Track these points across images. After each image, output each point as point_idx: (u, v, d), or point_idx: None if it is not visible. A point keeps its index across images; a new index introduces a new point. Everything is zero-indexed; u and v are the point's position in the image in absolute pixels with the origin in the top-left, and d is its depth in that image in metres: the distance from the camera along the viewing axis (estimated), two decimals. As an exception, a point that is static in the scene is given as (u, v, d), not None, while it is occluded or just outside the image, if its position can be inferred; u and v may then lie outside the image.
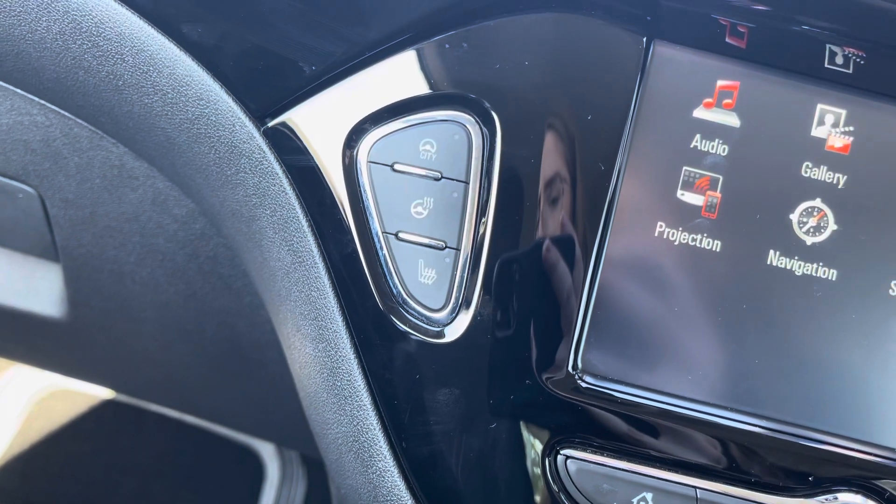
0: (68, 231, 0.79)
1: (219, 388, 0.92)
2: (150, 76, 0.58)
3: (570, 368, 0.54)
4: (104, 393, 1.64)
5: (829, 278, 0.55)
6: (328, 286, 0.55)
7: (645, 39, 0.54)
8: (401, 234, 0.54)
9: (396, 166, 0.54)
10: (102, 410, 1.70)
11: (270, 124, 0.56)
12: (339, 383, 0.56)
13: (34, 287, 0.88)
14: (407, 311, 0.54)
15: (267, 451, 1.59)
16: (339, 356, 0.55)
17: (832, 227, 0.55)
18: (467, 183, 0.54)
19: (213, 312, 0.82)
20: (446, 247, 0.54)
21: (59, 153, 0.74)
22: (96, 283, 0.83)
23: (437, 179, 0.54)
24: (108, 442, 1.66)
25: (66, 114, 0.71)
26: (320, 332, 0.56)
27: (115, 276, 0.81)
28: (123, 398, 1.62)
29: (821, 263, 0.55)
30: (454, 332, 0.54)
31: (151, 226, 0.76)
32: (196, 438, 1.57)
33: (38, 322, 0.90)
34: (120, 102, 0.62)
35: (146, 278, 0.81)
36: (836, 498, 0.54)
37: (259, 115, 0.57)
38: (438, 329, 0.54)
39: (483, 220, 0.54)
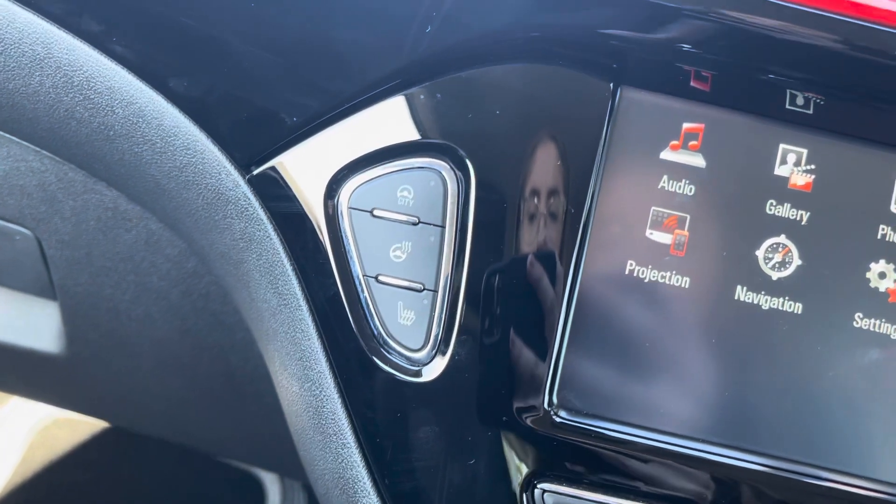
0: (65, 271, 0.81)
1: (216, 421, 0.94)
2: (140, 127, 0.60)
3: (545, 405, 0.56)
4: (104, 422, 1.66)
5: (796, 312, 0.57)
6: (312, 327, 0.58)
7: (612, 85, 0.56)
8: (380, 277, 0.56)
9: (376, 212, 0.57)
10: (104, 438, 1.72)
11: (255, 172, 0.59)
12: (323, 421, 0.58)
13: (33, 324, 0.91)
14: (387, 352, 0.56)
15: (268, 477, 1.60)
16: (324, 395, 0.57)
17: (797, 262, 0.57)
18: (443, 227, 0.56)
19: (207, 347, 0.84)
20: (424, 289, 0.56)
21: (54, 197, 0.76)
22: (93, 320, 0.86)
23: (414, 224, 0.56)
24: (110, 470, 1.68)
25: (61, 160, 0.74)
26: (305, 371, 0.58)
27: (111, 314, 0.84)
28: (127, 428, 1.64)
29: (787, 298, 0.57)
30: (433, 371, 0.56)
31: (145, 265, 0.79)
32: (198, 464, 1.59)
33: (38, 358, 0.92)
34: (111, 151, 0.64)
35: (141, 315, 0.83)
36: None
37: (244, 163, 0.59)
38: (418, 368, 0.56)
39: (459, 262, 0.56)
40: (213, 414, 0.93)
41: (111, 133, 0.63)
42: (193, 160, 0.60)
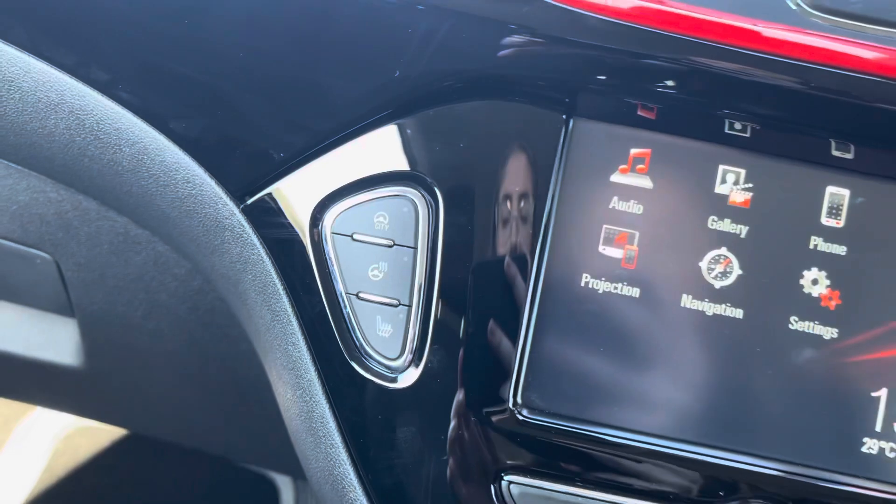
0: (81, 291, 0.88)
1: (224, 426, 1.01)
2: (145, 163, 0.67)
3: (510, 405, 0.62)
4: (123, 430, 1.72)
5: (737, 317, 0.63)
6: (301, 340, 0.64)
7: (564, 117, 0.63)
8: (361, 294, 0.63)
9: (355, 236, 0.63)
10: (123, 445, 1.79)
11: (248, 202, 0.65)
12: (314, 424, 0.64)
13: (54, 340, 0.98)
14: (367, 361, 0.63)
15: (281, 480, 1.66)
16: (314, 401, 0.64)
17: (737, 272, 0.63)
18: (415, 248, 0.62)
19: (214, 358, 0.91)
20: (399, 304, 0.63)
21: (70, 224, 0.83)
22: (108, 335, 0.93)
23: (389, 246, 0.63)
24: (130, 475, 1.74)
25: (76, 191, 0.81)
26: (297, 379, 0.65)
27: (125, 329, 0.91)
28: (146, 434, 1.70)
29: (728, 304, 0.63)
30: (409, 378, 0.62)
31: (155, 284, 0.85)
32: (213, 469, 1.65)
33: (59, 371, 0.99)
34: (120, 184, 0.71)
35: (153, 330, 0.90)
36: (748, 509, 0.62)
37: (238, 194, 0.65)
38: (395, 375, 0.63)
39: (430, 280, 0.62)
40: (222, 419, 0.99)
41: (119, 168, 0.69)
42: (193, 192, 0.67)
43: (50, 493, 1.71)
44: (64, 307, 0.93)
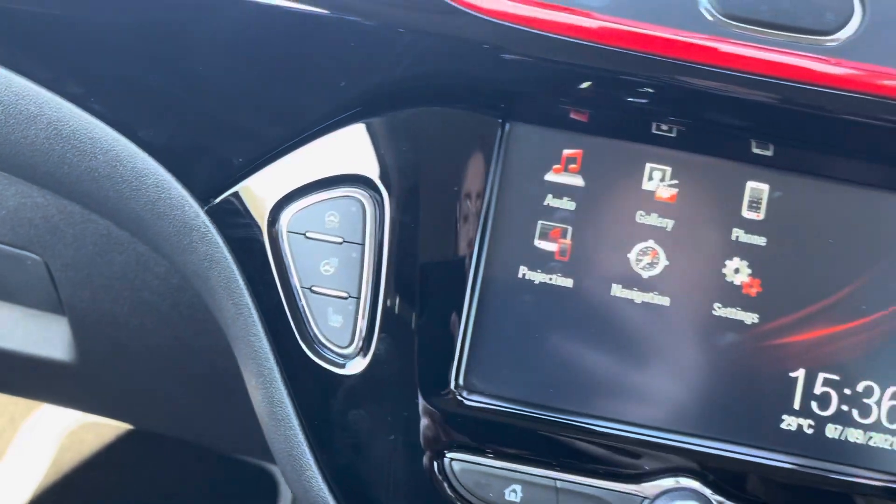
0: (70, 290, 0.94)
1: (209, 416, 1.06)
2: (118, 169, 0.72)
3: (452, 387, 0.67)
4: (127, 425, 1.78)
5: (664, 304, 0.68)
6: (262, 331, 0.69)
7: (501, 121, 0.67)
8: (314, 288, 0.68)
9: (308, 234, 0.68)
10: (126, 440, 1.85)
11: (212, 204, 0.70)
12: (275, 409, 0.69)
13: (47, 337, 1.03)
14: (321, 349, 0.68)
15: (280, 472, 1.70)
16: (273, 387, 0.69)
17: (664, 262, 0.68)
18: (363, 245, 0.67)
19: (196, 351, 0.96)
20: (349, 296, 0.68)
21: (56, 227, 0.89)
22: (97, 331, 0.98)
23: (339, 243, 0.68)
24: (133, 469, 1.80)
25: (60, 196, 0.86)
26: (259, 368, 0.70)
27: (112, 326, 0.96)
28: (149, 429, 1.76)
29: (656, 293, 0.68)
30: (358, 365, 0.67)
31: (138, 282, 0.91)
32: (214, 462, 1.70)
33: (53, 366, 1.05)
34: (98, 189, 0.76)
35: (138, 326, 0.95)
36: (677, 482, 0.67)
37: (203, 197, 0.71)
38: (345, 363, 0.68)
39: (377, 274, 0.67)
40: (207, 410, 1.05)
41: (96, 175, 0.75)
42: (163, 195, 0.72)
43: (56, 487, 1.76)
44: (55, 306, 0.98)
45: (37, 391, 1.20)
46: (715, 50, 0.64)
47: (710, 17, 0.64)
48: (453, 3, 0.63)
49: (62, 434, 1.77)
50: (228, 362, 0.96)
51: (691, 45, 0.64)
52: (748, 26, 0.64)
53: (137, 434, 1.80)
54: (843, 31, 0.63)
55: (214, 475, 1.74)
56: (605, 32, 0.64)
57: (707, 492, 0.66)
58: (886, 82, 0.63)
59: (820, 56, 0.63)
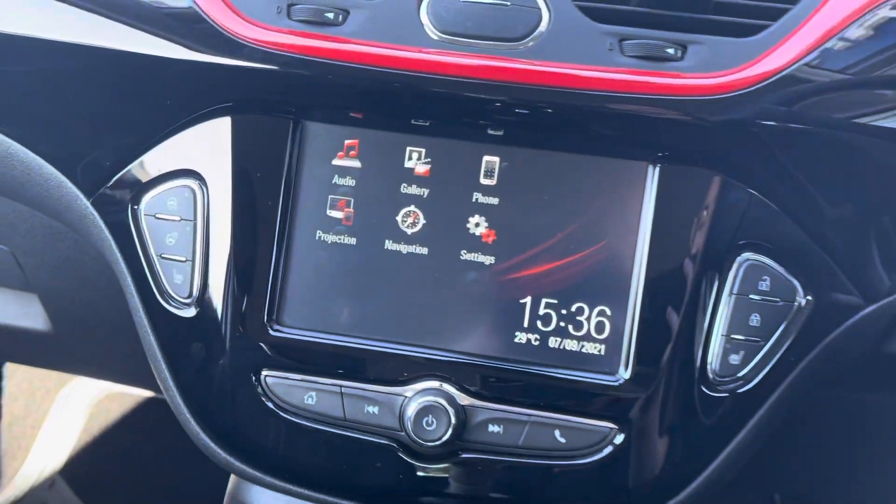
0: (32, 273, 1.19)
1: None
2: (31, 175, 0.97)
3: (265, 321, 0.89)
4: (147, 393, 2.03)
5: (423, 254, 0.88)
6: (134, 290, 0.93)
7: (293, 121, 0.89)
8: (163, 255, 0.91)
9: (157, 215, 0.91)
10: (147, 407, 2.10)
11: (95, 196, 0.94)
12: (150, 349, 0.93)
13: (27, 312, 1.28)
14: (170, 301, 0.91)
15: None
16: (145, 330, 0.93)
17: (422, 222, 0.89)
18: (194, 222, 0.90)
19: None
20: (186, 260, 0.91)
21: (12, 223, 1.14)
22: (61, 304, 1.23)
23: (178, 221, 0.91)
24: (154, 432, 2.05)
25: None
26: (139, 319, 0.94)
27: (68, 300, 1.21)
28: (163, 397, 2.00)
29: (417, 245, 0.89)
30: (195, 309, 0.91)
31: (78, 263, 1.15)
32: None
33: (35, 335, 1.30)
34: (25, 192, 1.01)
35: (87, 300, 1.20)
36: (430, 385, 0.88)
37: (88, 191, 0.94)
38: (186, 309, 0.91)
39: (206, 243, 0.90)
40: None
41: (22, 180, 0.99)
42: (63, 193, 0.96)
43: (87, 449, 2.02)
44: (27, 286, 1.24)
45: (25, 357, 1.47)
46: (437, 62, 0.84)
47: (434, 36, 0.84)
48: (233, 37, 0.85)
49: (91, 403, 2.03)
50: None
51: (418, 60, 0.84)
52: (460, 38, 0.84)
53: (155, 401, 2.05)
54: (530, 37, 0.83)
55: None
56: (354, 54, 0.85)
57: (452, 389, 0.87)
58: (563, 70, 0.82)
59: (514, 58, 0.83)
